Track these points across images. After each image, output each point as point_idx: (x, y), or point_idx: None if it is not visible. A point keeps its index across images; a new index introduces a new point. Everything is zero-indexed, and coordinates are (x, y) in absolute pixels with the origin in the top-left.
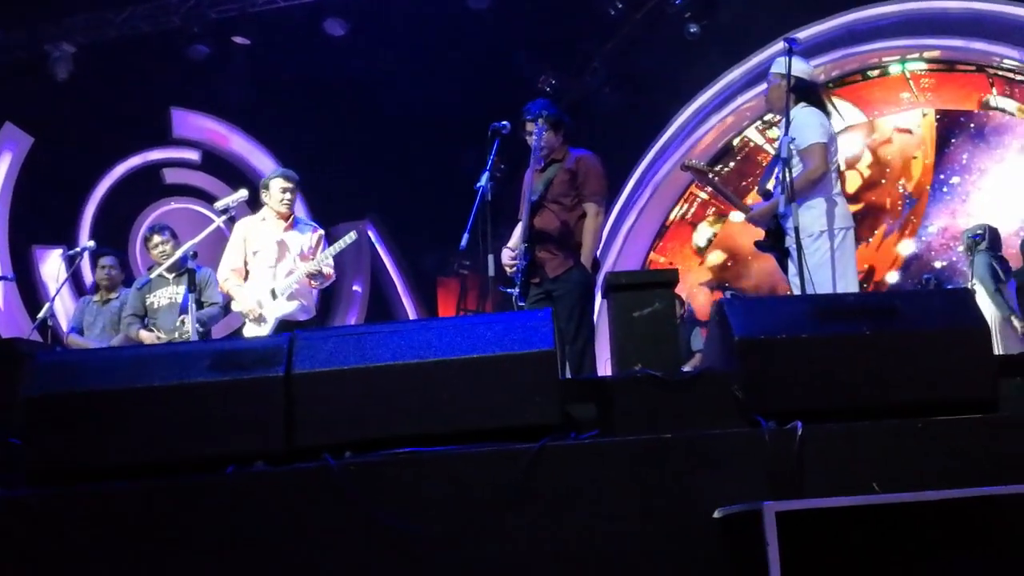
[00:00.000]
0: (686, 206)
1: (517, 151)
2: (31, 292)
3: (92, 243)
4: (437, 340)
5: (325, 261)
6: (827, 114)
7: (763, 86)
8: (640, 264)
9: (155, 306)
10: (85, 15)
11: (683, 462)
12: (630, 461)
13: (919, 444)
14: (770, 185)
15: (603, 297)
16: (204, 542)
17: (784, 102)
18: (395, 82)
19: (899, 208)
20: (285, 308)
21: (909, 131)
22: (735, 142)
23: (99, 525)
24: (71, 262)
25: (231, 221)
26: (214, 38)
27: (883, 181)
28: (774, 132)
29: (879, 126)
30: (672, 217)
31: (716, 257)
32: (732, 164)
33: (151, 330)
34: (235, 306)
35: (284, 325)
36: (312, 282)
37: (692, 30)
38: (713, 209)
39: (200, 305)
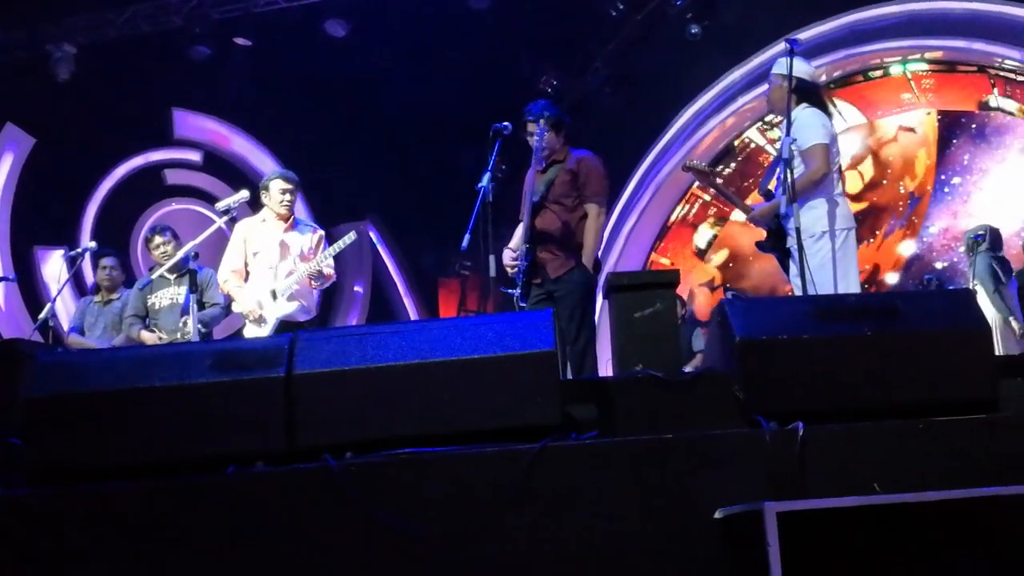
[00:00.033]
0: (687, 207)
1: (518, 152)
2: (32, 293)
3: (93, 244)
4: (438, 341)
5: (325, 261)
6: (829, 115)
7: (764, 87)
8: (641, 265)
9: (156, 307)
10: (86, 15)
11: (684, 462)
12: (631, 461)
13: (920, 444)
14: (771, 186)
15: (604, 298)
16: (204, 542)
17: (785, 103)
18: (396, 82)
19: (901, 208)
20: (285, 309)
21: (913, 130)
22: (736, 143)
23: (99, 525)
24: (72, 263)
25: (232, 222)
26: (215, 39)
27: (884, 182)
28: (775, 133)
29: (882, 125)
30: (673, 218)
31: (717, 258)
32: (733, 165)
33: (152, 331)
34: (235, 307)
35: (284, 326)
36: (313, 283)
37: (693, 31)
38: (714, 210)
39: (201, 306)
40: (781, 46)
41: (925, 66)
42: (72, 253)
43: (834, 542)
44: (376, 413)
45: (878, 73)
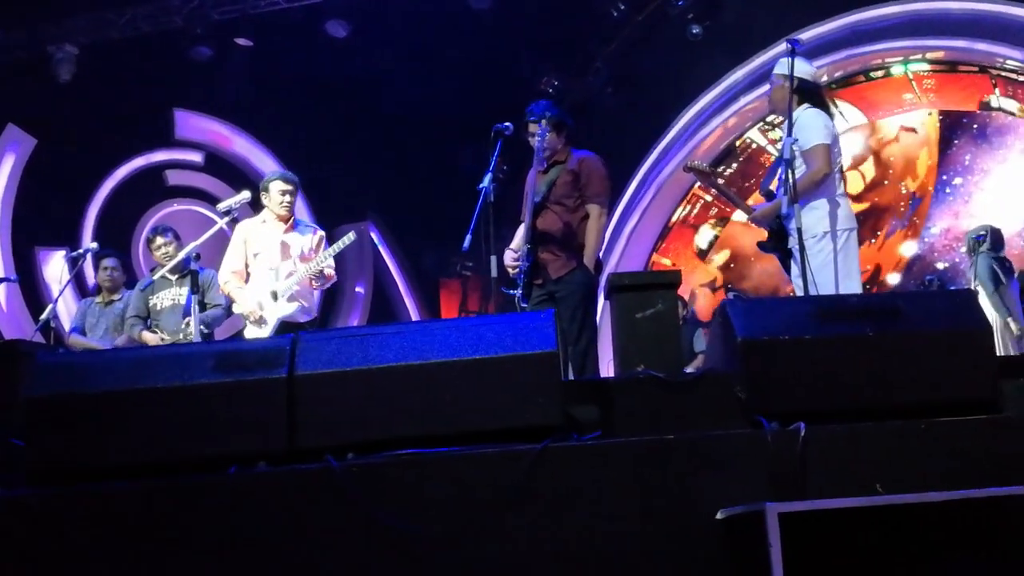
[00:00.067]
0: (689, 207)
1: (519, 152)
2: (34, 294)
3: (95, 245)
4: (440, 341)
5: (325, 262)
6: (830, 115)
7: (766, 87)
8: (643, 265)
9: (158, 307)
10: (87, 16)
11: (686, 463)
12: (632, 462)
13: (922, 445)
14: (772, 186)
15: (606, 298)
16: (204, 542)
17: (787, 103)
18: (396, 83)
19: (903, 209)
20: (286, 309)
21: (914, 130)
22: (737, 143)
23: (99, 525)
24: (74, 264)
25: (234, 222)
26: (216, 39)
27: (886, 182)
28: (776, 133)
29: (884, 125)
30: (675, 218)
31: (718, 259)
32: (735, 165)
33: (154, 331)
34: (236, 308)
35: (285, 327)
36: (314, 283)
37: (694, 31)
38: (715, 211)
39: (203, 307)
40: (782, 46)
41: (926, 66)
42: (74, 254)
43: (836, 543)
44: (377, 414)
45: (879, 73)
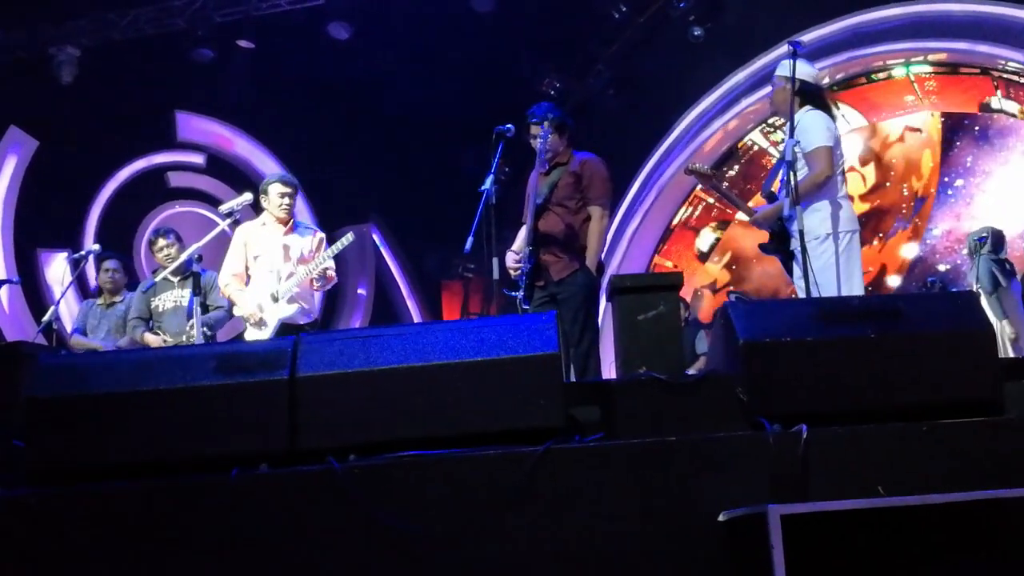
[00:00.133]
0: (690, 209)
1: (521, 154)
2: (36, 295)
3: (97, 246)
4: (441, 343)
5: (325, 263)
6: (832, 117)
7: (767, 89)
8: (644, 267)
9: (160, 309)
10: (89, 17)
11: (688, 465)
12: (634, 464)
13: (924, 447)
14: (774, 188)
15: (607, 300)
16: (204, 542)
17: (789, 105)
18: (398, 84)
19: (905, 210)
20: (286, 311)
21: (919, 130)
22: (739, 145)
23: (99, 525)
24: (76, 265)
25: (236, 224)
26: (218, 41)
27: (887, 184)
28: (778, 135)
29: (888, 126)
30: (676, 220)
31: (719, 261)
32: (736, 167)
33: (156, 333)
34: (236, 311)
35: (285, 328)
36: (315, 284)
37: (696, 33)
38: (716, 211)
39: (205, 309)
40: (784, 48)
41: (928, 68)
42: (76, 256)
43: (838, 545)
44: (379, 415)
45: (881, 75)
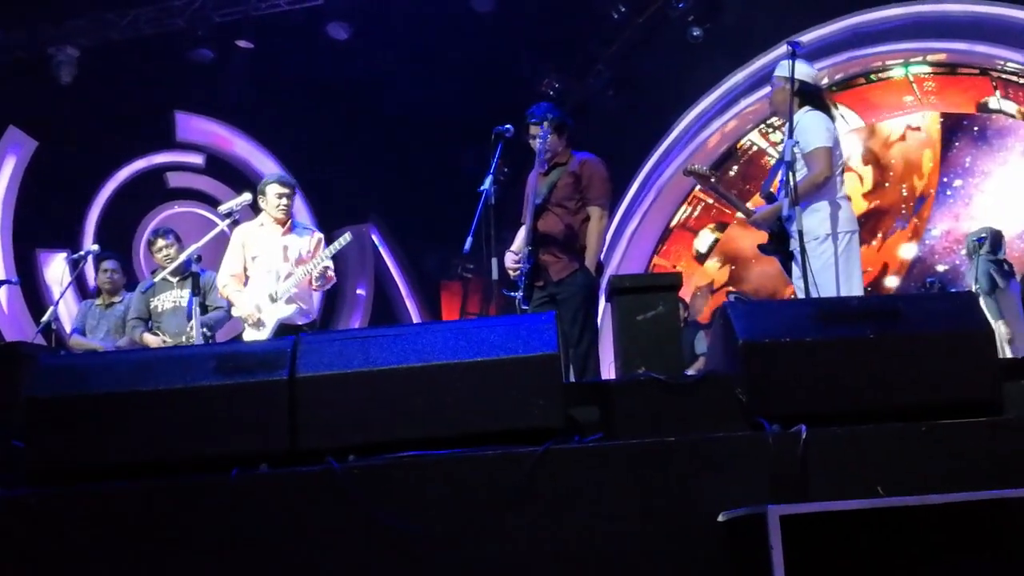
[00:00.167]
0: (689, 209)
1: (520, 154)
2: (35, 296)
3: (96, 247)
4: (441, 343)
5: (323, 263)
6: (832, 117)
7: (766, 89)
8: (643, 268)
9: (159, 309)
10: (88, 17)
11: (687, 465)
12: (634, 464)
13: (923, 447)
14: (773, 188)
15: (607, 300)
16: (204, 542)
17: (788, 105)
18: (398, 84)
19: (905, 211)
20: (284, 312)
21: (919, 129)
22: (738, 146)
23: (99, 525)
24: (75, 266)
25: (235, 224)
26: (217, 41)
27: (886, 184)
28: (777, 136)
29: (889, 125)
30: (676, 221)
31: (718, 262)
32: (735, 168)
33: (156, 334)
34: (234, 311)
35: (283, 329)
36: (314, 284)
37: (695, 33)
38: (715, 212)
39: (204, 309)
40: (783, 48)
41: (927, 68)
42: (75, 256)
43: (837, 545)
44: (379, 416)
45: (880, 76)
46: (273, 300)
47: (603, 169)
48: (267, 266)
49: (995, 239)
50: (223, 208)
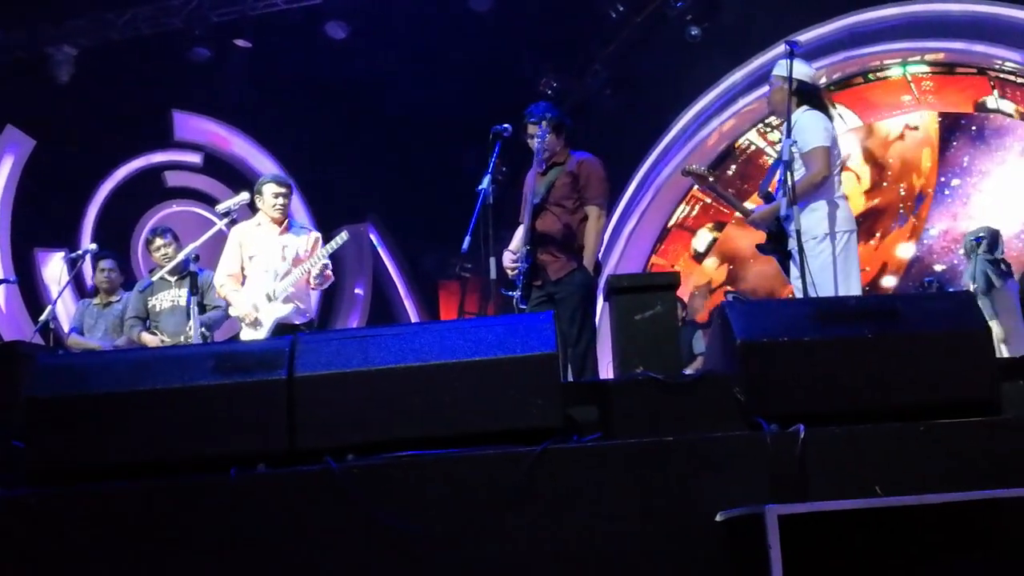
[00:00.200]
0: (688, 208)
1: (518, 154)
2: (33, 295)
3: (94, 246)
4: (439, 343)
5: (321, 262)
6: (830, 117)
7: (764, 88)
8: (641, 267)
9: (157, 309)
10: (86, 17)
11: (685, 465)
12: (632, 464)
13: (921, 447)
14: (771, 188)
15: (605, 300)
16: (204, 542)
17: (786, 105)
18: (396, 83)
19: (903, 210)
20: (281, 311)
21: (917, 128)
22: (736, 145)
23: (99, 525)
24: (73, 265)
25: (233, 224)
26: (215, 41)
27: (884, 184)
28: (775, 135)
29: (888, 124)
30: (674, 220)
31: (715, 261)
32: (733, 167)
33: (154, 333)
34: (231, 311)
35: (280, 328)
36: (312, 283)
37: (693, 33)
38: (713, 211)
39: (203, 308)
40: (781, 48)
41: (925, 68)
42: (73, 255)
43: (835, 545)
44: (377, 415)
45: (878, 75)
46: (270, 299)
47: (601, 169)
48: (264, 266)
49: (993, 239)
50: (221, 207)
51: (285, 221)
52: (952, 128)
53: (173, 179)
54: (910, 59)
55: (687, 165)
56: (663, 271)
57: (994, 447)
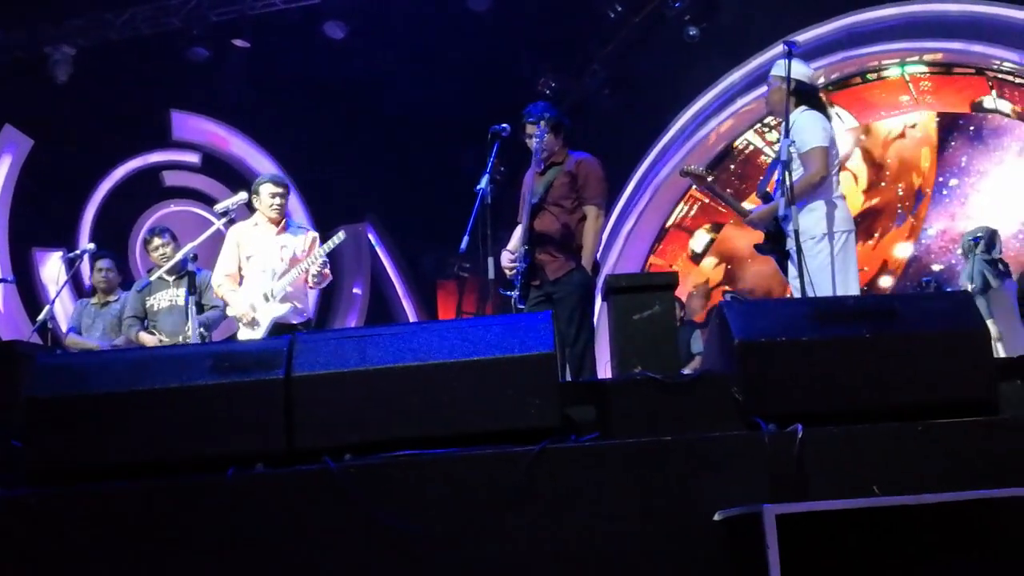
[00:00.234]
0: (686, 208)
1: (517, 154)
2: (31, 294)
3: (92, 245)
4: (437, 343)
5: (318, 261)
6: (828, 117)
7: (763, 88)
8: (640, 267)
9: (155, 308)
10: (85, 17)
11: (683, 465)
12: (630, 463)
13: (919, 447)
14: (769, 188)
15: (603, 300)
16: (204, 542)
17: (784, 105)
18: (395, 83)
19: (904, 208)
20: (278, 311)
21: (916, 127)
22: (734, 145)
23: (99, 525)
24: (71, 264)
25: (231, 223)
26: (213, 40)
27: (883, 184)
28: (773, 135)
29: (888, 124)
30: (672, 220)
31: (713, 261)
32: (732, 167)
33: (152, 333)
34: (229, 311)
35: (278, 328)
36: (311, 282)
37: (691, 33)
38: (711, 211)
39: (201, 308)
40: (779, 48)
41: (923, 68)
42: (71, 255)
43: (833, 544)
44: (375, 415)
45: (876, 75)
46: (267, 299)
47: (599, 168)
48: (262, 265)
49: (991, 239)
50: (219, 207)
51: (282, 221)
52: (950, 128)
53: (171, 179)
54: (908, 59)
55: (685, 165)
56: (661, 271)
57: (992, 447)
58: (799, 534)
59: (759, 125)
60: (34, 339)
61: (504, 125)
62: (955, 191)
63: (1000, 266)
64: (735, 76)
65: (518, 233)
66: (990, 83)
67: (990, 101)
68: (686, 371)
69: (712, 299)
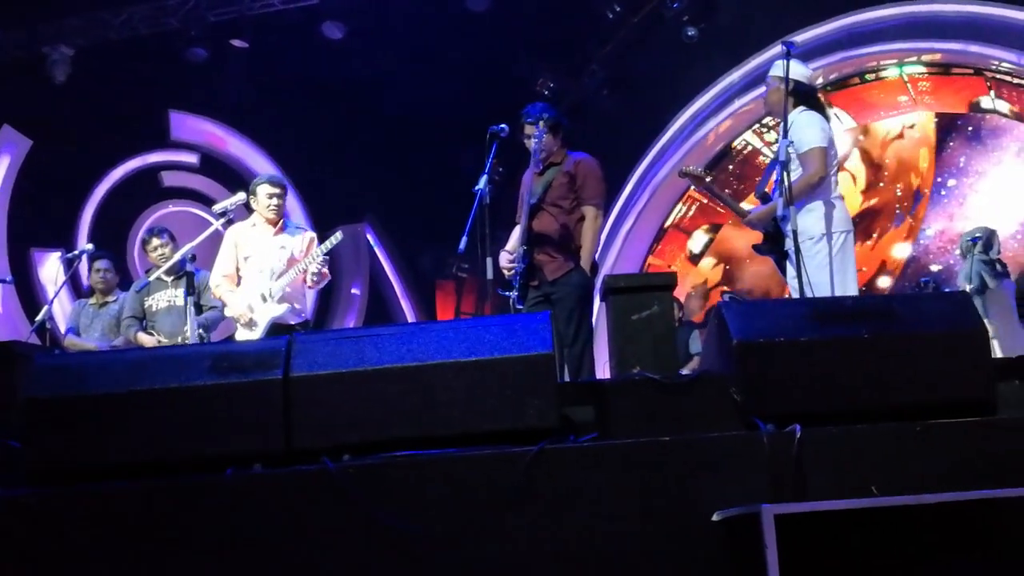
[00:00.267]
0: (684, 208)
1: (515, 154)
2: (29, 295)
3: (90, 246)
4: (435, 343)
5: (317, 261)
6: (826, 118)
7: (761, 89)
8: (638, 267)
9: (153, 309)
10: (84, 17)
11: (682, 465)
12: (629, 464)
13: (918, 447)
14: (768, 188)
15: (602, 300)
16: (204, 542)
17: (783, 105)
18: (394, 83)
19: (902, 208)
20: (276, 311)
21: (914, 127)
22: (733, 146)
23: (99, 525)
24: (69, 265)
25: (229, 224)
26: (212, 41)
27: (881, 184)
28: (772, 135)
29: (887, 124)
30: (671, 220)
31: (711, 262)
32: (730, 167)
33: (151, 333)
34: (227, 311)
35: (276, 328)
36: (309, 282)
37: (690, 33)
38: (709, 211)
39: (199, 309)
40: (778, 48)
41: (922, 68)
42: (69, 255)
43: (831, 544)
44: (374, 415)
45: (874, 76)
46: (265, 300)
47: (598, 169)
48: (259, 266)
49: (988, 239)
50: (218, 207)
51: (280, 221)
52: (948, 128)
53: (170, 179)
54: (907, 60)
55: (684, 166)
56: (660, 271)
57: (990, 447)
58: (798, 534)
59: (758, 125)
60: (32, 339)
61: (503, 125)
62: (953, 191)
63: (998, 266)
64: (734, 76)
65: (516, 233)
66: (988, 83)
67: (988, 101)
68: (685, 371)
69: (711, 299)
